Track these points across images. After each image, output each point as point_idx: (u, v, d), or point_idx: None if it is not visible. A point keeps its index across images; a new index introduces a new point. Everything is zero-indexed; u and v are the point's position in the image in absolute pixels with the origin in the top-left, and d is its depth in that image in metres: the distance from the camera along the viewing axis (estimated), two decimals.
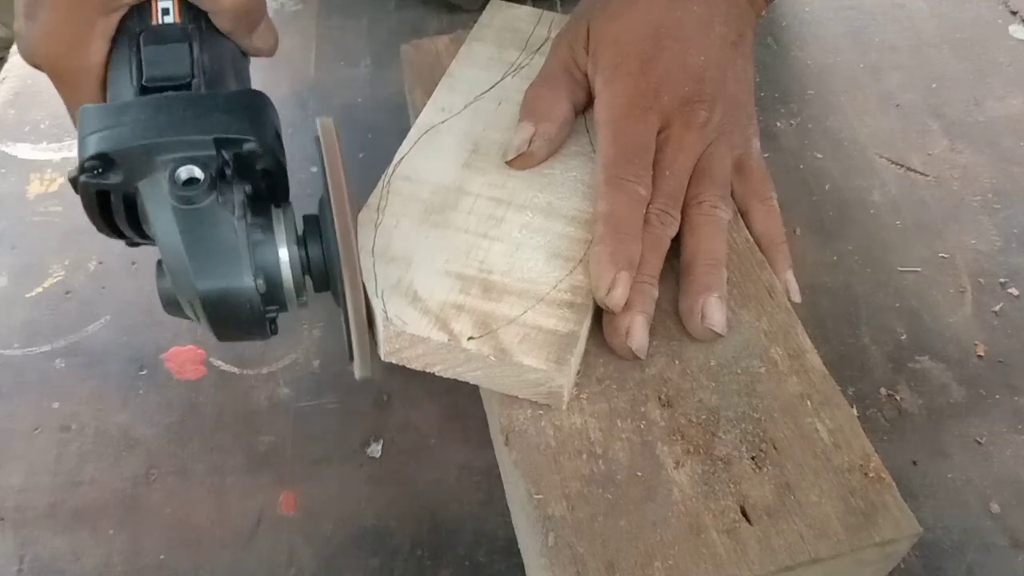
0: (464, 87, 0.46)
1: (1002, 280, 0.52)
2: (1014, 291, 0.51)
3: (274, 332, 0.36)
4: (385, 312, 0.37)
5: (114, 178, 0.33)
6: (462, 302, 0.37)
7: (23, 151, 0.59)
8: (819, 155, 0.59)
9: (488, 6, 0.51)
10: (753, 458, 0.35)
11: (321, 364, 0.48)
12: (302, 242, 0.35)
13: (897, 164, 0.59)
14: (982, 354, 0.49)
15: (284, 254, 0.34)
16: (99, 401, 0.47)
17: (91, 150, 0.32)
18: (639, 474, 0.35)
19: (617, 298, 0.36)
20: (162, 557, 0.41)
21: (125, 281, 0.52)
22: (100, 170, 0.32)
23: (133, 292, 0.52)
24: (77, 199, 0.33)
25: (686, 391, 0.37)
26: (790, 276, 0.41)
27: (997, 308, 0.51)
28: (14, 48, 0.67)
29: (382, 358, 0.38)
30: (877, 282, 0.52)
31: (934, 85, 0.64)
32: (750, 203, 0.42)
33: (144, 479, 0.44)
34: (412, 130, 0.44)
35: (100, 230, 0.36)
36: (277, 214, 0.34)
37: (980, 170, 0.58)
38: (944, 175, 0.58)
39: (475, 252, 0.39)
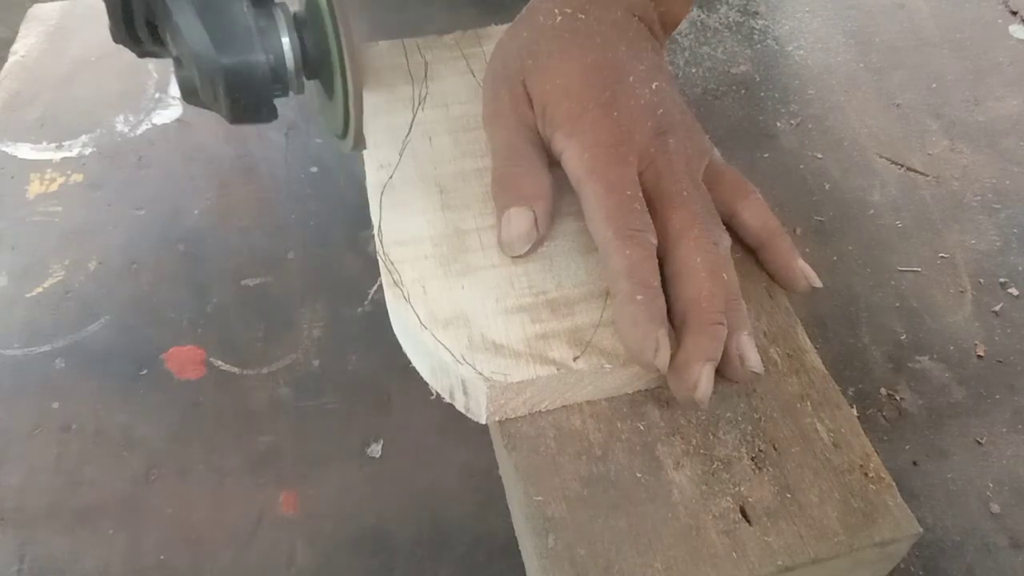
0: (385, 137, 0.44)
1: (1002, 280, 0.52)
2: (1014, 291, 0.51)
3: (275, 116, 0.40)
4: (480, 373, 0.35)
5: None
6: (542, 330, 0.36)
7: (23, 151, 0.59)
8: (819, 155, 0.59)
9: None
10: (753, 459, 0.35)
11: (321, 364, 0.48)
12: (298, 32, 0.40)
13: (897, 164, 0.59)
14: (982, 354, 0.49)
15: (286, 38, 0.39)
16: (99, 401, 0.47)
17: None
18: (639, 475, 0.35)
19: (664, 359, 0.34)
20: (162, 557, 0.41)
21: (125, 281, 0.52)
22: None
23: (133, 292, 0.52)
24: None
25: None
26: (802, 264, 0.40)
27: (997, 308, 0.51)
28: (14, 48, 0.67)
29: (484, 421, 0.36)
30: (877, 282, 0.52)
31: (934, 85, 0.64)
32: (735, 203, 0.41)
33: (144, 479, 0.44)
34: (370, 193, 0.42)
35: (118, 40, 0.41)
36: (275, 8, 0.40)
37: (980, 170, 0.58)
38: (944, 175, 0.58)
39: (517, 281, 0.38)
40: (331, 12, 0.39)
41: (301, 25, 0.41)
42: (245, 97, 0.38)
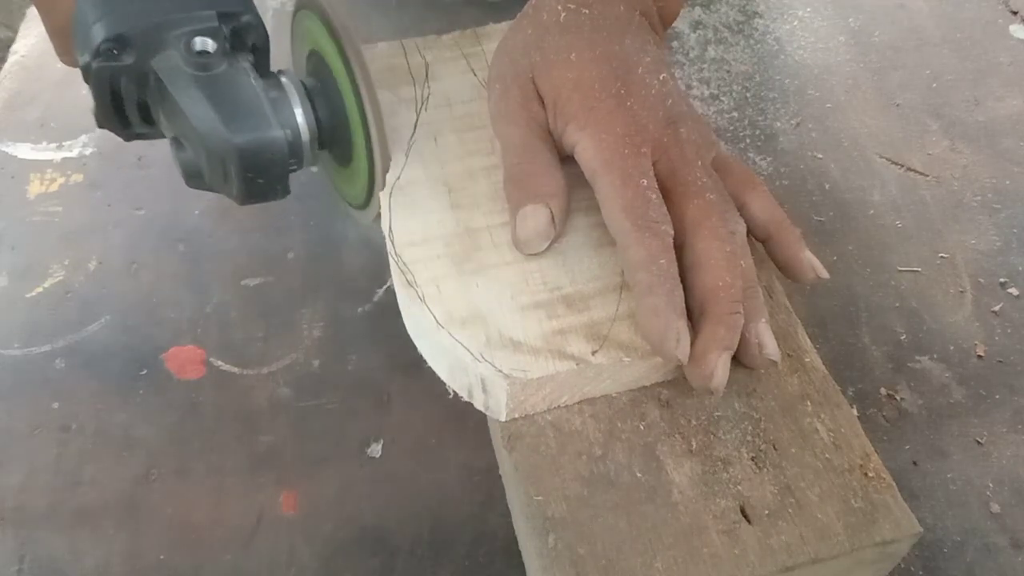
0: (391, 138, 0.43)
1: (1002, 280, 0.52)
2: (1014, 291, 0.52)
3: (288, 193, 0.38)
4: (500, 371, 0.35)
5: (127, 59, 0.35)
6: (559, 326, 0.36)
7: (23, 151, 0.59)
8: (819, 155, 0.59)
9: None
10: (753, 458, 0.35)
11: (321, 364, 0.48)
12: (310, 101, 0.38)
13: (897, 164, 0.59)
14: (982, 354, 0.49)
15: (299, 108, 0.37)
16: (99, 401, 0.47)
17: (103, 34, 0.34)
18: (639, 475, 0.35)
19: (686, 349, 0.35)
20: (162, 557, 0.41)
21: (125, 281, 0.52)
22: (116, 51, 0.35)
23: (133, 292, 0.52)
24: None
25: (686, 391, 0.37)
26: (809, 255, 0.39)
27: (997, 308, 0.51)
28: (14, 48, 0.67)
29: (503, 418, 0.36)
30: (877, 282, 0.52)
31: (934, 85, 0.64)
32: (743, 195, 0.41)
33: (144, 479, 0.44)
34: (380, 196, 0.42)
35: (103, 124, 0.38)
36: (283, 77, 0.37)
37: (980, 170, 0.58)
38: (944, 175, 0.58)
39: (532, 278, 0.38)
40: (351, 76, 0.37)
41: (315, 92, 0.38)
42: (261, 176, 0.36)
